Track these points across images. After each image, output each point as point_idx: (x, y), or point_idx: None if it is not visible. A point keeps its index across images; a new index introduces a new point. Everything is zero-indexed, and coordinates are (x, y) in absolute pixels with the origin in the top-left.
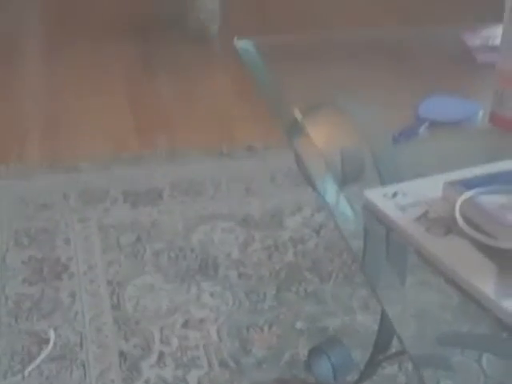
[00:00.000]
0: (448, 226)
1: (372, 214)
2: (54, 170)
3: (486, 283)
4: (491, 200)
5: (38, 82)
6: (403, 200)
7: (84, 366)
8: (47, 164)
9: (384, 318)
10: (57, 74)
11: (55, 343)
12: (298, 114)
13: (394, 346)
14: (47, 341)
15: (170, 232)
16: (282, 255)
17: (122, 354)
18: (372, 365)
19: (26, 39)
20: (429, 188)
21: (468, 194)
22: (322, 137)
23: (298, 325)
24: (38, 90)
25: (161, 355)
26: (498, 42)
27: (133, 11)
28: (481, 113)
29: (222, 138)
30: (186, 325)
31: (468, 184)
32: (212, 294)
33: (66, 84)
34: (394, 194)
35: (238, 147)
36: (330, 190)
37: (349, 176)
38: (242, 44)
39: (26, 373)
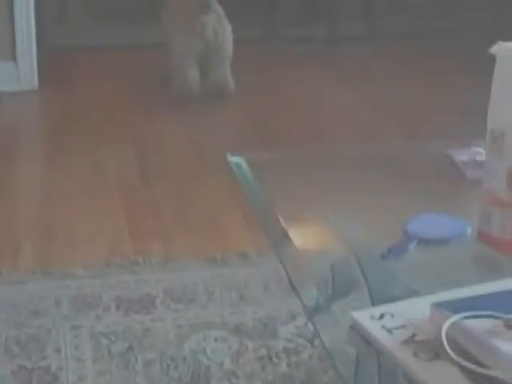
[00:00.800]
0: (435, 350)
1: (360, 336)
2: (47, 276)
3: None
4: (478, 325)
5: (32, 188)
6: (390, 322)
7: None
8: (40, 270)
9: None
10: (52, 180)
11: None
12: (286, 229)
13: None
14: None
15: (162, 341)
16: (276, 366)
17: None
18: None
19: (22, 144)
20: (416, 309)
21: (455, 318)
22: (311, 251)
23: None
24: (32, 196)
25: None
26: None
27: (131, 114)
28: (469, 230)
29: (215, 245)
30: None
31: (455, 307)
32: None
33: (61, 189)
34: (382, 316)
35: (232, 254)
36: (318, 307)
37: (339, 291)
38: (234, 159)
39: None
